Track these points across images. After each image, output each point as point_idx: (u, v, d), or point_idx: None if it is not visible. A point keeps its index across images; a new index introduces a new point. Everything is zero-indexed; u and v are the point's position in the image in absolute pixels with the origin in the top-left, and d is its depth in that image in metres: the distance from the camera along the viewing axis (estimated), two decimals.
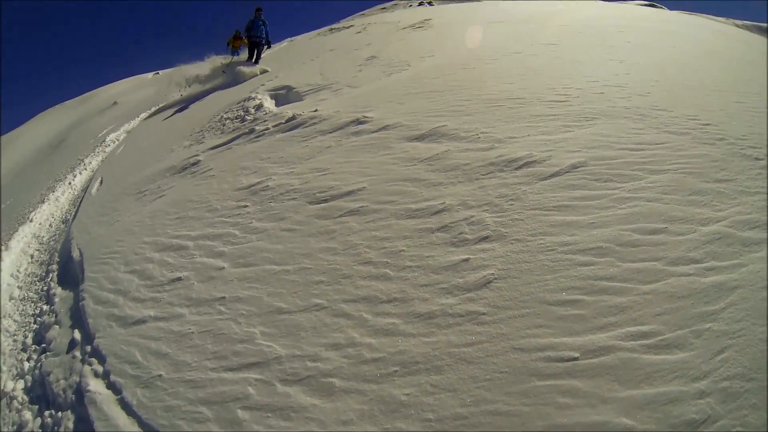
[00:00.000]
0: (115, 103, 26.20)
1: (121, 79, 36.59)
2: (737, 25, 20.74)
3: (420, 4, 44.06)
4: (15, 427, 3.42)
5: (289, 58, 12.09)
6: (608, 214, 2.76)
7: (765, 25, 25.65)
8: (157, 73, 35.78)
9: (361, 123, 4.80)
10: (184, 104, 13.01)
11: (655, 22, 10.05)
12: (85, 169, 10.51)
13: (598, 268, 2.37)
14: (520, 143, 3.78)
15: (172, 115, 12.06)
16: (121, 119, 17.91)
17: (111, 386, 2.91)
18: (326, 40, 14.24)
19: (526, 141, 3.81)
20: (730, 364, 1.85)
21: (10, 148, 26.55)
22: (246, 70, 12.75)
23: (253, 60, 14.36)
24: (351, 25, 17.49)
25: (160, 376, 2.73)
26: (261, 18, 14.08)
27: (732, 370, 1.83)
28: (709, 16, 23.72)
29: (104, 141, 12.95)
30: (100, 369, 3.11)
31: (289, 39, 27.79)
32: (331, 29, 19.84)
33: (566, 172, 3.24)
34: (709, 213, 2.66)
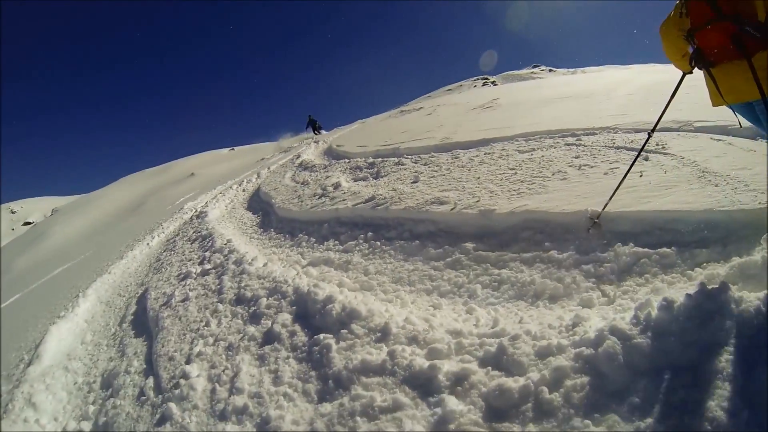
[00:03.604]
0: (192, 174, 27.44)
1: (198, 152, 38.42)
2: None
3: (484, 84, 44.90)
4: None
5: (363, 139, 12.25)
6: None
7: None
8: (233, 149, 37.41)
9: (441, 204, 4.84)
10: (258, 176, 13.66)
11: None
12: (163, 232, 10.95)
13: None
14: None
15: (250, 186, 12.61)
16: (198, 190, 18.70)
17: None
18: (398, 123, 14.45)
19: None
20: None
21: (93, 206, 28.07)
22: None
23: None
24: (420, 107, 17.80)
25: None
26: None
27: None
28: None
29: (182, 208, 13.50)
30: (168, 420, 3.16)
31: (360, 120, 28.69)
32: (402, 111, 20.33)
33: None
34: None
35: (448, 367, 2.51)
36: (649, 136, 3.48)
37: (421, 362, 2.60)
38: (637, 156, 3.61)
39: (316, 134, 27.00)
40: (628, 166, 3.56)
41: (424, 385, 2.47)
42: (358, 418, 2.41)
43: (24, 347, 6.47)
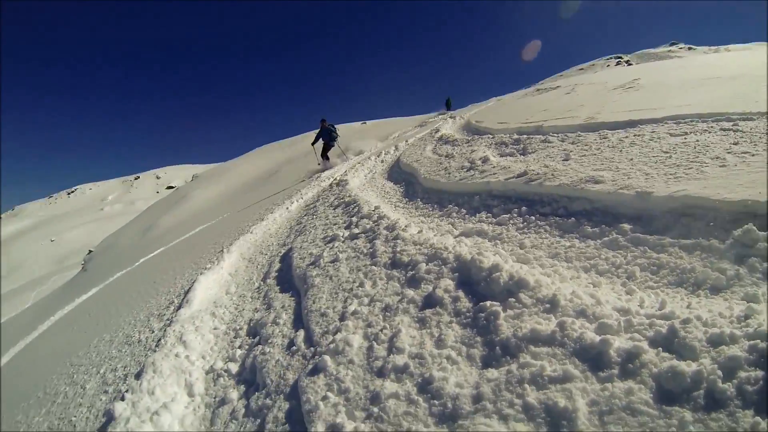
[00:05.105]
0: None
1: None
2: None
3: (617, 63, 42.87)
4: (217, 401, 3.80)
5: (502, 116, 12.22)
6: None
7: None
8: (365, 122, 38.26)
9: (596, 182, 4.72)
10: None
11: None
12: (302, 198, 11.46)
13: None
14: None
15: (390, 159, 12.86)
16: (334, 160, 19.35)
17: (329, 386, 3.05)
18: (536, 101, 14.35)
19: None
20: None
21: (230, 173, 29.97)
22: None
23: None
24: (558, 86, 17.48)
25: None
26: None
27: None
28: None
29: (319, 176, 14.07)
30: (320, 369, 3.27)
31: (496, 98, 28.44)
32: (538, 89, 20.04)
33: None
34: None
35: (618, 343, 2.43)
36: None
37: (592, 336, 2.53)
38: None
39: (323, 160, 18.68)
40: None
41: (594, 359, 2.41)
42: (526, 386, 2.40)
43: (173, 292, 7.13)
